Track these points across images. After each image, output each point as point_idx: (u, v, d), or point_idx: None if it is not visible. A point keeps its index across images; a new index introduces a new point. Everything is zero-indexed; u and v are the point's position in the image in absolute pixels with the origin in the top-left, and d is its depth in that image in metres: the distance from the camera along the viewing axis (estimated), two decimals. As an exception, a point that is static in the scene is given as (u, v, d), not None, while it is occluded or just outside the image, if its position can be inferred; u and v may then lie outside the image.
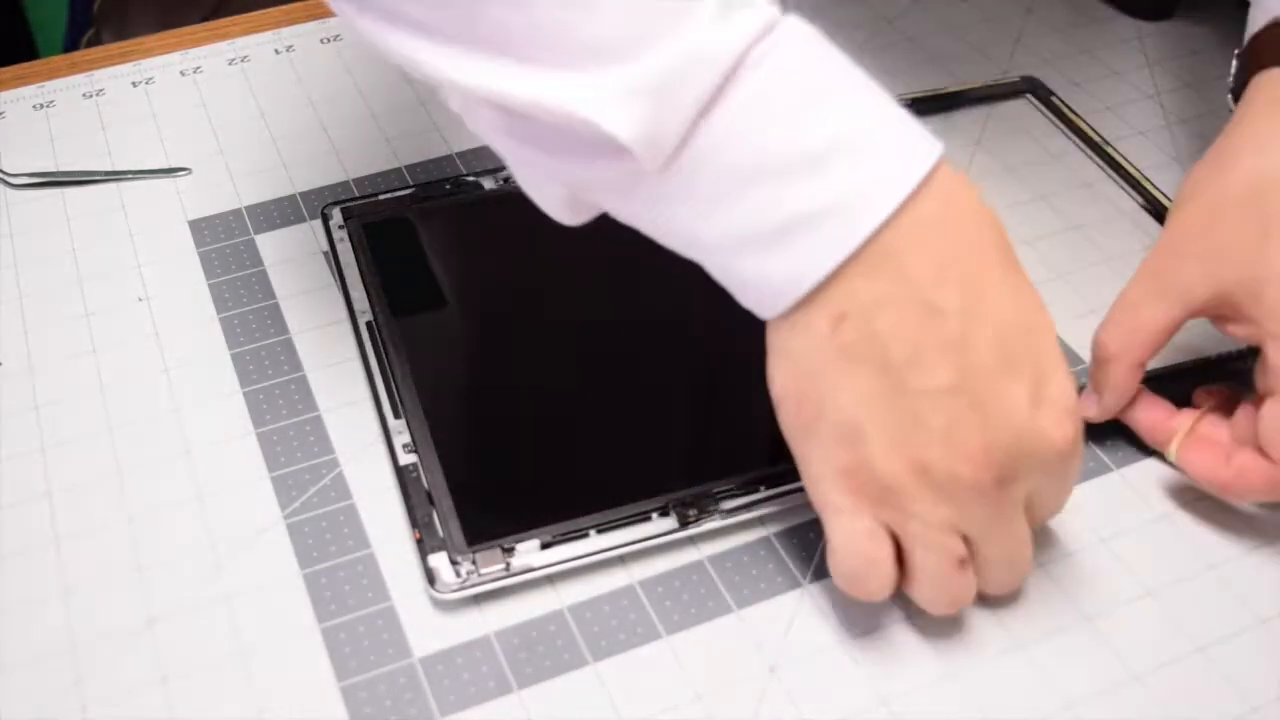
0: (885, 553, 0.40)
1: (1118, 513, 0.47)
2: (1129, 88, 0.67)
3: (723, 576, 0.45)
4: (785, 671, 0.42)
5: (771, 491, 0.46)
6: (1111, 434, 0.49)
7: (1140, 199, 0.60)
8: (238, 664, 0.42)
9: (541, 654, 0.43)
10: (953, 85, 0.66)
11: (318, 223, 0.58)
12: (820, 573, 0.45)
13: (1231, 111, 0.50)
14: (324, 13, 0.73)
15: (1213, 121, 0.65)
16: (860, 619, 0.44)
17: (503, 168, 0.60)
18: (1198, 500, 0.47)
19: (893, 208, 0.37)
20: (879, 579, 0.40)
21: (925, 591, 0.41)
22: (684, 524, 0.45)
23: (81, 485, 0.48)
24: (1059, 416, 0.39)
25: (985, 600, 0.43)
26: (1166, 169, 0.62)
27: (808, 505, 0.46)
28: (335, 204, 0.58)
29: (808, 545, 0.46)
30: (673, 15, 0.36)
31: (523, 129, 0.39)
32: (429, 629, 0.43)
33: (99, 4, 0.95)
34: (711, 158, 0.37)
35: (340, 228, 0.56)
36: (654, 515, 0.45)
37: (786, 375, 0.40)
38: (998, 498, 0.39)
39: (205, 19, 0.74)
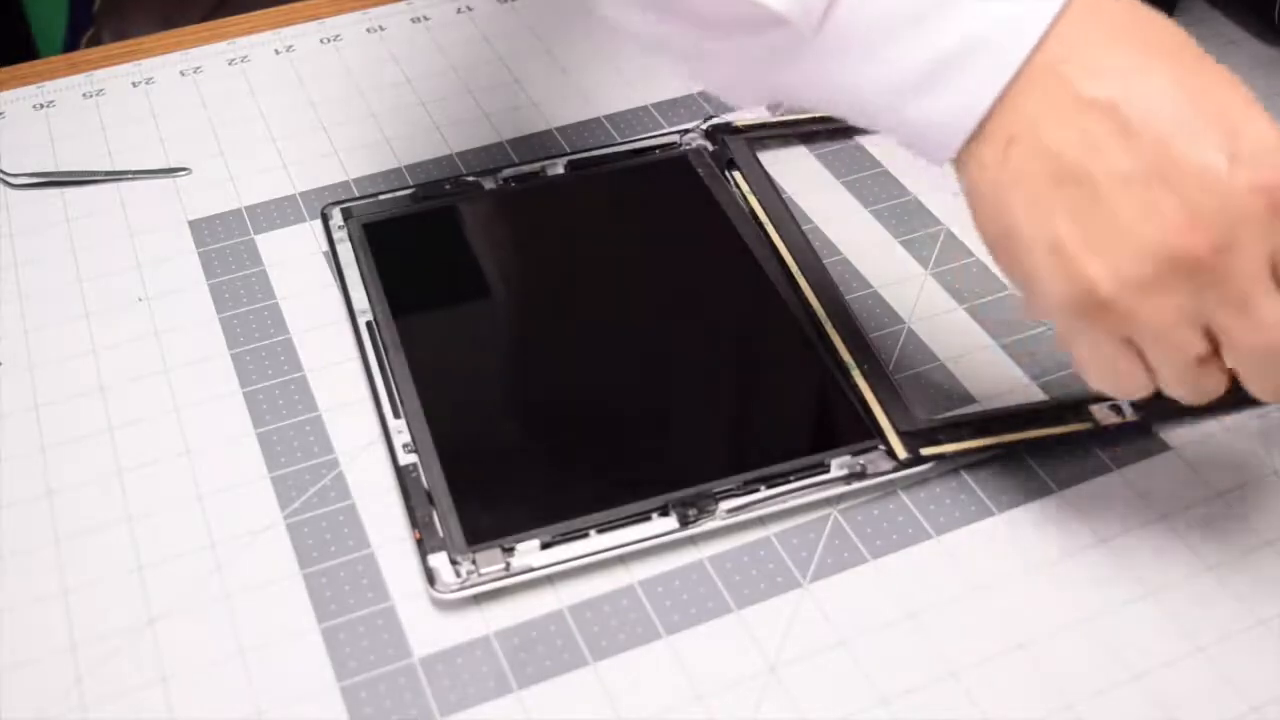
0: (1130, 365, 0.40)
1: (1118, 512, 0.47)
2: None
3: (723, 576, 0.45)
4: (785, 671, 0.42)
5: (771, 491, 0.46)
6: (1111, 434, 0.49)
7: None
8: (238, 664, 0.42)
9: (541, 654, 0.43)
10: None
11: (318, 223, 0.58)
12: (820, 573, 0.45)
13: None
14: (324, 12, 0.73)
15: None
16: (860, 619, 0.44)
17: (501, 168, 0.60)
18: (1198, 500, 0.47)
19: (1041, 31, 0.37)
20: (1134, 386, 0.41)
21: (1173, 389, 0.40)
22: (684, 524, 0.45)
23: (82, 485, 0.48)
24: (1260, 168, 0.36)
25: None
26: (1166, 169, 0.62)
27: (806, 506, 0.47)
28: (335, 204, 0.58)
29: (808, 545, 0.46)
30: None
31: (694, 21, 0.42)
32: (429, 629, 0.43)
33: (99, 4, 0.95)
34: (859, 10, 0.39)
35: (340, 228, 0.56)
36: (654, 515, 0.45)
37: (981, 218, 0.40)
38: (1223, 271, 0.37)
39: (205, 19, 0.74)
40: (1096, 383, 0.41)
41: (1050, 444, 0.49)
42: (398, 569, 0.45)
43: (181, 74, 0.68)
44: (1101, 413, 0.49)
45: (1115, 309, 0.38)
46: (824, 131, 0.64)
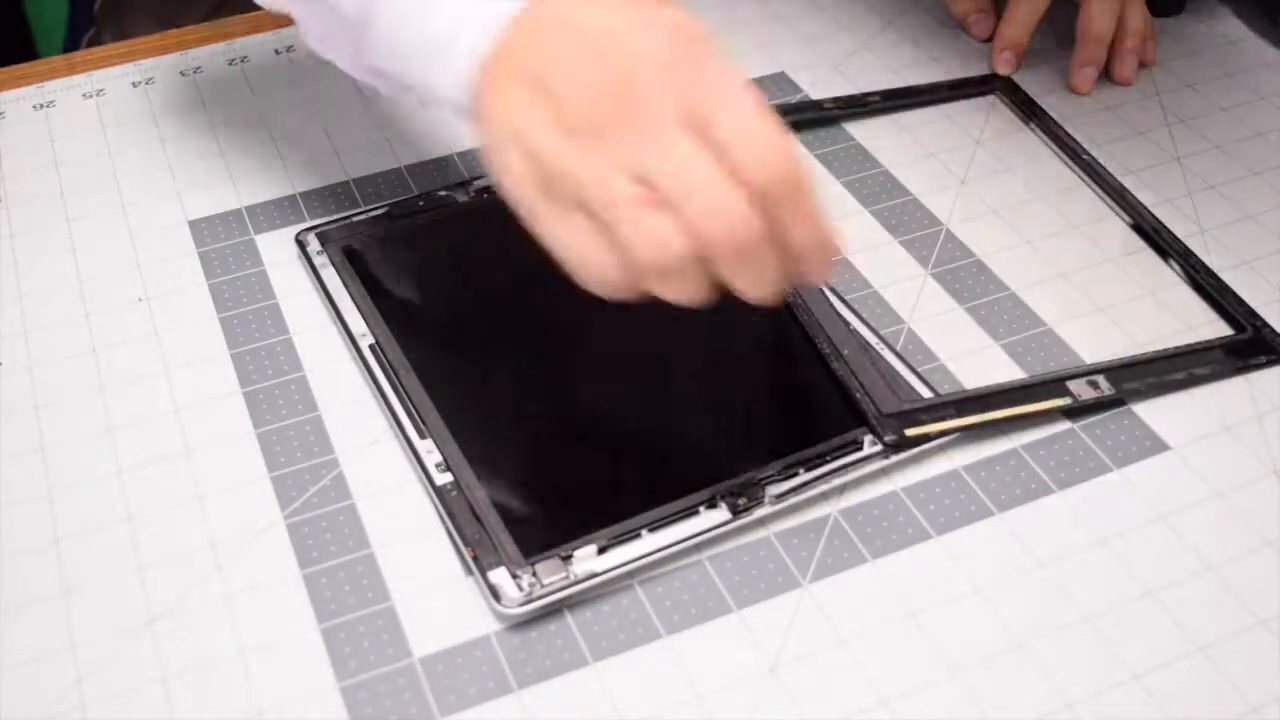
0: (589, 233, 0.40)
1: (1118, 513, 0.47)
2: (1129, 88, 0.67)
3: (723, 576, 0.45)
4: (785, 671, 0.42)
5: (814, 473, 0.46)
6: (1111, 434, 0.49)
7: (1105, 195, 0.60)
8: (238, 664, 0.42)
9: (541, 654, 0.43)
10: (919, 82, 0.67)
11: (302, 226, 0.58)
12: (820, 573, 0.45)
13: None
14: (324, 13, 0.73)
15: (1213, 122, 0.65)
16: (860, 619, 0.44)
17: (472, 180, 0.60)
18: (1198, 500, 0.47)
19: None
20: (599, 258, 0.40)
21: (630, 244, 0.40)
22: (736, 513, 0.45)
23: (81, 486, 0.48)
24: (653, 12, 0.40)
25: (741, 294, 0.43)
26: (1166, 169, 0.62)
27: (823, 495, 0.46)
28: (309, 229, 0.57)
29: (808, 545, 0.46)
30: None
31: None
32: (429, 629, 0.43)
33: (99, 4, 0.95)
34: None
35: (319, 253, 0.56)
36: (701, 509, 0.45)
37: (479, 131, 0.44)
38: (632, 113, 0.39)
39: (205, 19, 0.74)
40: (574, 263, 0.41)
41: (1048, 442, 0.49)
42: (398, 569, 0.45)
43: (181, 74, 0.68)
44: (1079, 387, 0.50)
45: (563, 171, 0.40)
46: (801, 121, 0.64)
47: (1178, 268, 0.56)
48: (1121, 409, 0.50)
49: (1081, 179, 0.61)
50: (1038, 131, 0.64)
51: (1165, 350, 0.52)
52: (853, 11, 0.73)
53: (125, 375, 0.52)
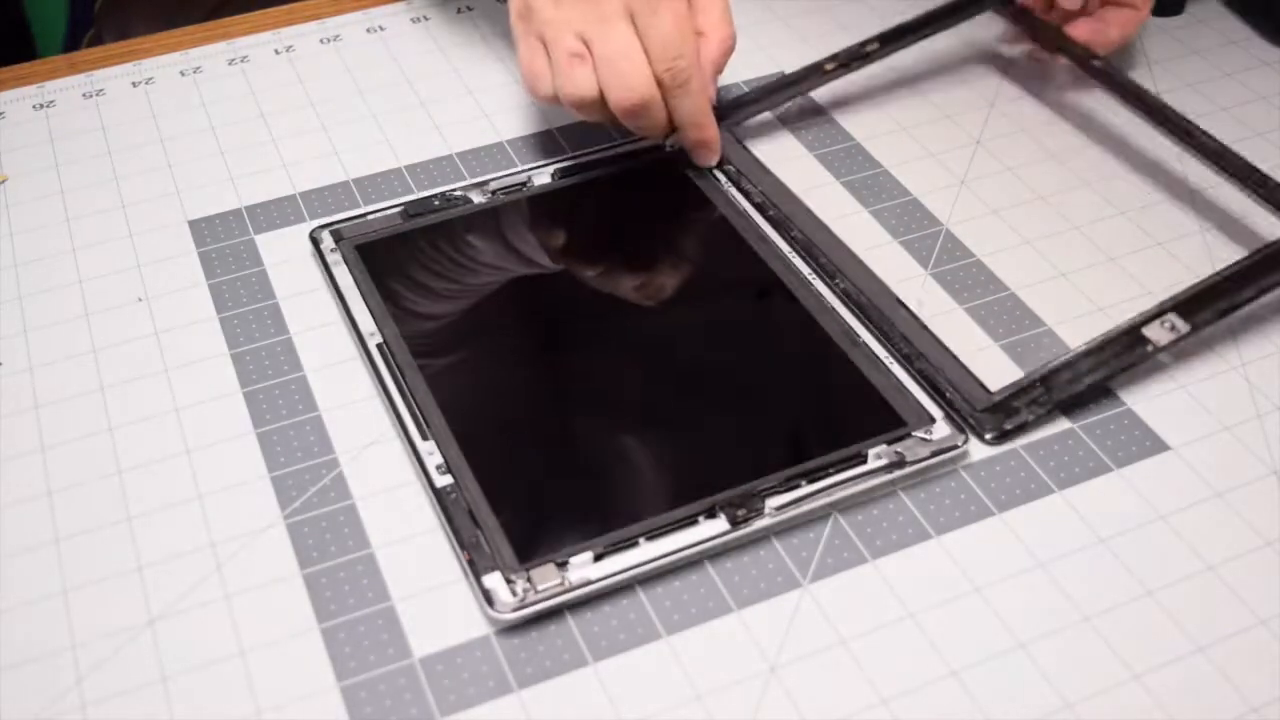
0: (539, 60, 0.57)
1: (1118, 513, 0.47)
2: (1129, 88, 0.67)
3: (723, 576, 0.45)
4: (785, 671, 0.42)
5: (814, 486, 0.46)
6: (1111, 434, 0.49)
7: (1145, 115, 0.61)
8: (238, 664, 0.42)
9: (541, 654, 0.43)
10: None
11: (317, 223, 0.58)
12: (820, 573, 0.45)
13: None
14: (324, 12, 0.73)
15: (1213, 121, 0.65)
16: (860, 619, 0.44)
17: (489, 180, 0.59)
18: (1197, 500, 0.47)
19: None
20: (541, 79, 0.57)
21: (557, 79, 0.57)
22: (735, 524, 0.45)
23: (81, 485, 0.48)
24: None
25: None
26: (1167, 168, 0.62)
27: (810, 508, 0.46)
28: (323, 227, 0.57)
29: (807, 545, 0.46)
30: None
31: None
32: (429, 629, 0.43)
33: (99, 4, 0.95)
34: None
35: (333, 250, 0.56)
36: (701, 519, 0.45)
37: None
38: (595, 3, 0.55)
39: (205, 19, 0.74)
40: (525, 78, 0.58)
41: (1048, 442, 0.49)
42: (398, 569, 0.45)
43: (181, 74, 0.68)
44: (1155, 333, 0.50)
45: (534, 13, 0.57)
46: (797, 110, 0.65)
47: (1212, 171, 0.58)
48: (1122, 409, 0.50)
49: (1083, 177, 0.61)
50: (1035, 132, 0.64)
51: (1222, 272, 0.52)
52: (853, 11, 0.73)
53: (125, 375, 0.52)
